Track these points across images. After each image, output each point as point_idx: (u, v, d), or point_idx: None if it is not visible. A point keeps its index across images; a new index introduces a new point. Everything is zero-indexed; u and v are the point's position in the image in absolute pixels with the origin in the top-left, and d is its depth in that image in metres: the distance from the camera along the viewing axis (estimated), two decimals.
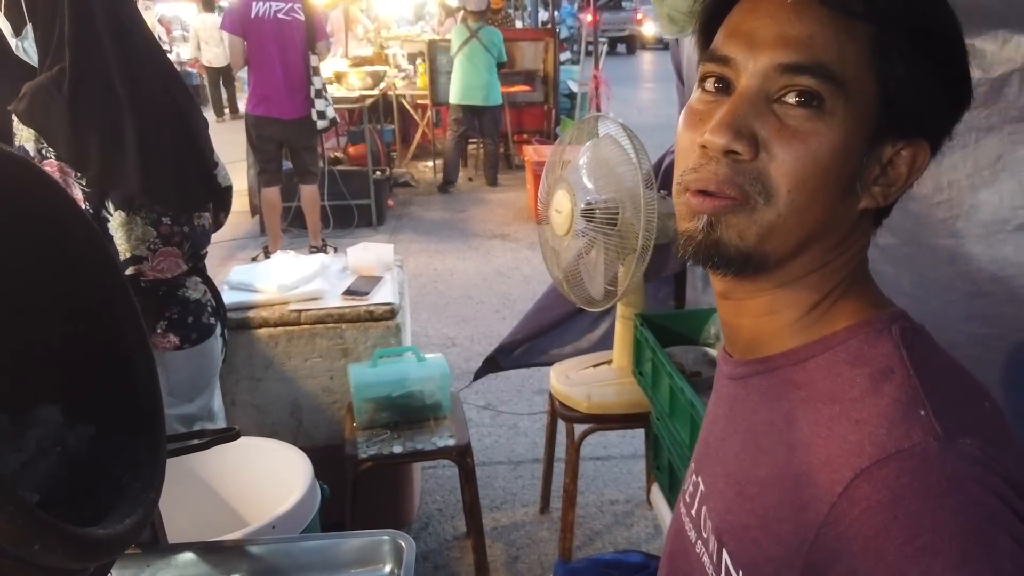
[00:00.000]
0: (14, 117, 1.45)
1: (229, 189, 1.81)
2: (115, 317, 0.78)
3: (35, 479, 0.72)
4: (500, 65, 6.75)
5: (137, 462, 0.74)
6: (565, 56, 10.16)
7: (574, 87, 8.12)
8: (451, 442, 2.00)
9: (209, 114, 11.25)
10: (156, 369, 0.81)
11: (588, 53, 6.92)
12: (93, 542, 0.59)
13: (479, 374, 2.88)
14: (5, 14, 1.47)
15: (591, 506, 2.66)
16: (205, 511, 1.42)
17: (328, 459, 2.10)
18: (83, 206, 1.49)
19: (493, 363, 2.80)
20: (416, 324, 4.06)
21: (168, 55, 1.67)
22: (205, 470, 1.47)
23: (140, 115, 1.49)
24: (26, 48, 1.50)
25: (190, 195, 1.62)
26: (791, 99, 0.57)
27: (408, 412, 2.06)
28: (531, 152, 6.17)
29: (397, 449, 1.96)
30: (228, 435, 1.01)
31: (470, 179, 7.53)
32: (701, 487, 0.72)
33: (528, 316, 2.73)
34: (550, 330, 2.65)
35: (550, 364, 2.40)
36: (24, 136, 1.44)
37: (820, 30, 0.56)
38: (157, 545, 0.98)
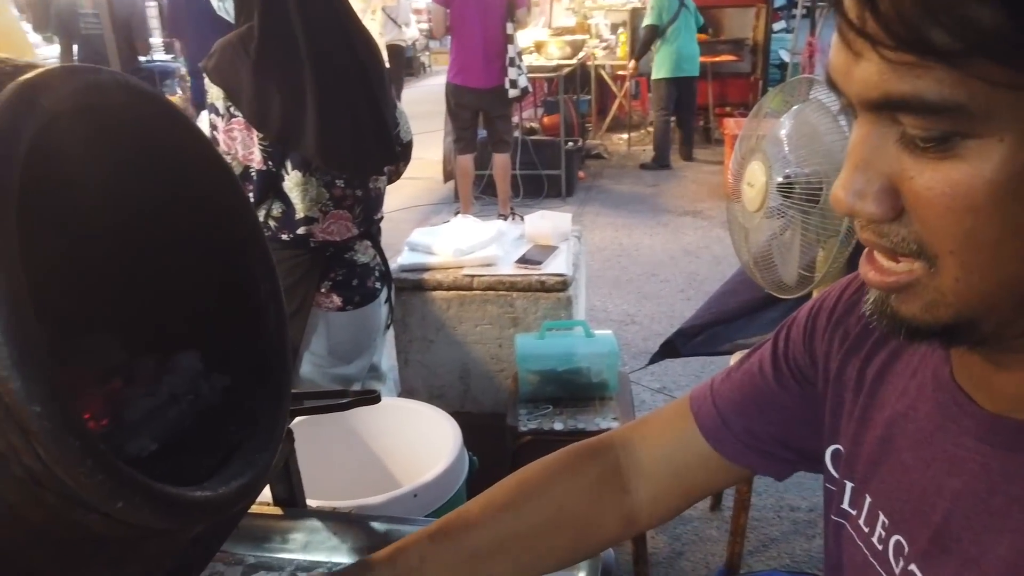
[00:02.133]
0: (204, 75, 1.50)
1: (410, 144, 1.81)
2: (249, 267, 0.75)
3: (160, 426, 0.71)
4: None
5: (256, 420, 0.71)
6: (779, 25, 9.47)
7: (785, 56, 7.54)
8: (615, 424, 1.89)
9: None
10: (286, 324, 0.78)
11: (804, 16, 6.34)
12: (185, 503, 0.56)
13: (655, 358, 2.74)
14: None
15: (768, 510, 2.44)
16: (350, 471, 1.43)
17: (493, 427, 2.08)
18: (264, 164, 1.53)
19: (671, 348, 2.64)
20: (596, 298, 3.97)
21: (355, 16, 1.65)
22: (355, 430, 1.48)
23: (322, 77, 1.49)
24: (226, 8, 1.56)
25: (366, 160, 1.62)
26: (915, 139, 0.40)
27: (573, 388, 1.97)
28: (732, 125, 5.81)
29: (558, 426, 1.88)
30: (368, 398, 0.97)
31: None
32: None
33: (712, 300, 2.53)
34: (736, 318, 2.44)
35: (732, 354, 2.21)
36: (214, 94, 1.49)
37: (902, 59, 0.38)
38: (294, 506, 0.96)
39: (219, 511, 0.60)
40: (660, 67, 6.26)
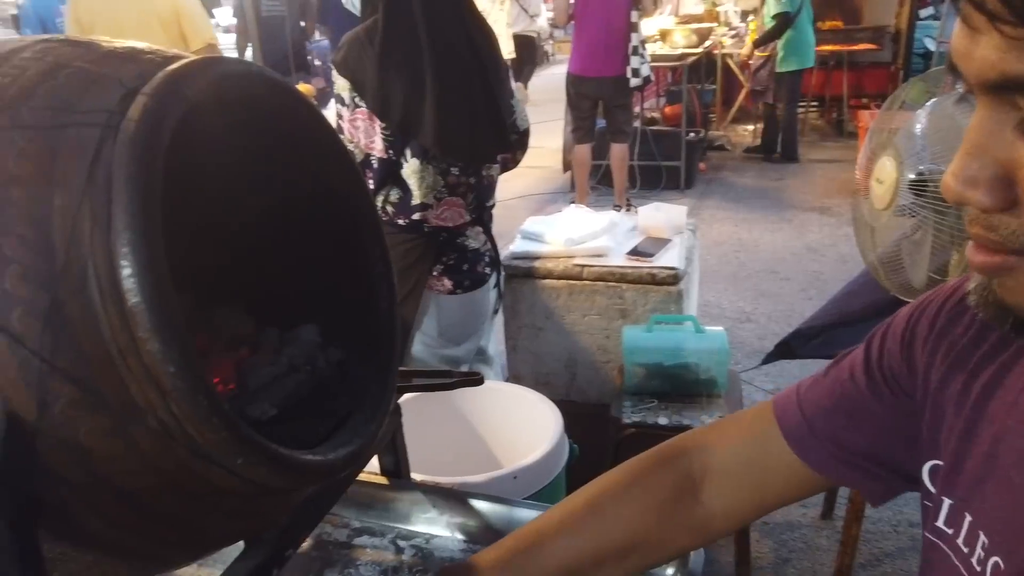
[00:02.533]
0: (332, 67, 1.58)
1: (527, 132, 1.82)
2: (364, 246, 0.80)
3: (280, 393, 0.77)
4: None
5: (365, 393, 0.75)
6: (927, 12, 8.86)
7: (931, 45, 7.05)
8: None
9: None
10: (396, 303, 0.81)
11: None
12: (298, 465, 0.60)
13: (770, 358, 2.65)
14: None
15: (884, 523, 2.33)
16: (453, 449, 1.47)
17: (597, 417, 2.09)
18: (385, 152, 1.59)
19: (787, 348, 2.55)
20: (711, 294, 3.88)
21: (474, 6, 1.68)
22: (461, 410, 1.52)
23: (441, 68, 1.53)
24: (353, 1, 1.63)
25: (480, 149, 1.66)
26: None
27: (680, 384, 1.95)
28: (867, 118, 5.51)
29: (663, 420, 1.87)
30: (472, 379, 1.00)
31: None
32: None
33: (834, 300, 2.42)
34: (858, 321, 2.32)
35: None
36: (340, 85, 1.56)
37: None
38: (399, 478, 1.01)
39: (328, 474, 0.65)
40: (789, 58, 5.93)
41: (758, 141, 6.75)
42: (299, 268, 0.85)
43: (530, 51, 10.08)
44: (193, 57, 0.59)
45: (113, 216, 0.49)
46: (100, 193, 0.49)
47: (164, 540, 0.59)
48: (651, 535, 0.71)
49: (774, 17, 5.78)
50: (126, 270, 0.48)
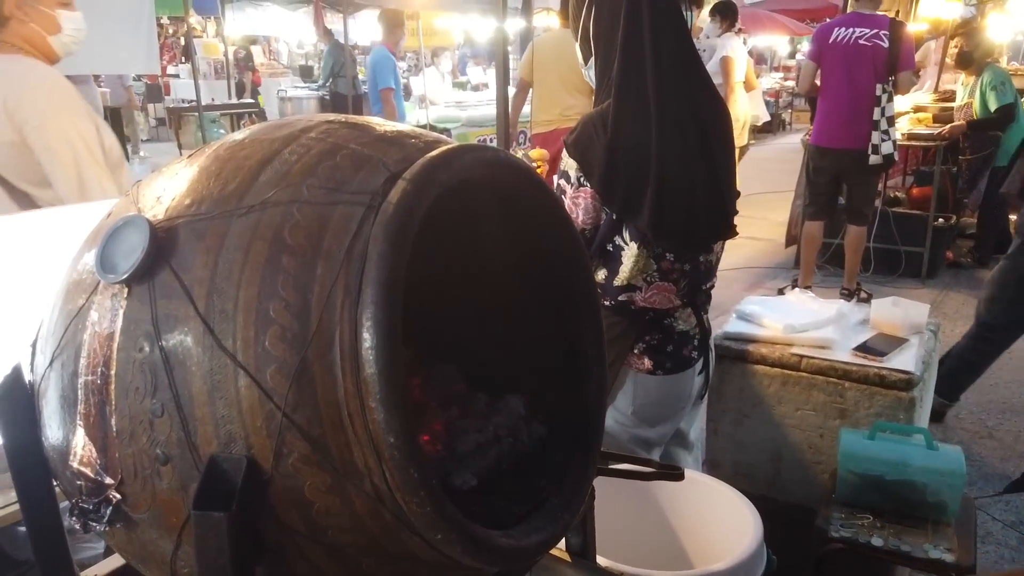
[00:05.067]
0: (564, 147, 1.61)
1: None
2: (580, 330, 0.80)
3: (482, 463, 0.78)
4: None
5: (563, 478, 0.75)
6: None
7: None
8: (948, 557, 1.63)
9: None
10: (606, 390, 0.80)
11: None
12: (491, 548, 0.60)
13: (1015, 487, 2.31)
14: (580, 44, 1.64)
15: None
16: (637, 534, 1.41)
17: (799, 521, 1.92)
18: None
19: None
20: None
21: (704, 77, 1.63)
22: (651, 494, 1.46)
23: (665, 158, 1.49)
24: (591, 76, 1.66)
25: (696, 238, 1.59)
26: None
27: (901, 503, 1.74)
28: None
29: (876, 541, 1.67)
30: (673, 474, 0.96)
31: None
32: None
33: None
34: None
35: None
36: (568, 164, 1.59)
37: None
38: (584, 559, 0.99)
39: (518, 561, 0.64)
40: (1010, 151, 5.24)
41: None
42: (514, 338, 0.86)
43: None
44: (451, 143, 0.63)
45: (363, 290, 0.52)
46: (355, 266, 0.53)
47: None
48: None
49: (997, 111, 5.14)
50: (367, 342, 0.52)
